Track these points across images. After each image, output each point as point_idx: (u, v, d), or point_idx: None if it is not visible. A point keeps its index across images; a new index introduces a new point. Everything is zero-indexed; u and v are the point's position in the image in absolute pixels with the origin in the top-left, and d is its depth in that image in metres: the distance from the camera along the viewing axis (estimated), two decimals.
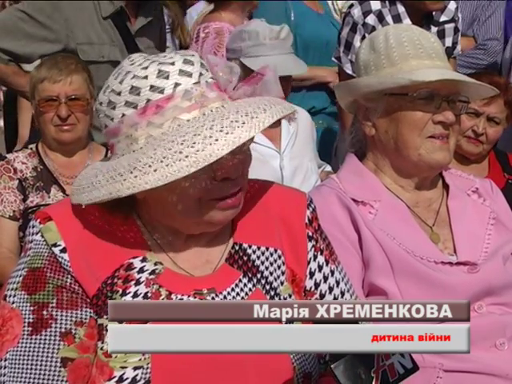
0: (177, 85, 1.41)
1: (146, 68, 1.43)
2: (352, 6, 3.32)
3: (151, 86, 1.41)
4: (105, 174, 1.42)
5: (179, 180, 1.37)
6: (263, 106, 1.41)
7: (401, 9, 3.26)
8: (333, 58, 3.42)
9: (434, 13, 3.33)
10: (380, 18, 3.24)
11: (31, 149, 2.92)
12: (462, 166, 2.95)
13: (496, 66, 3.84)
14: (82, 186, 1.46)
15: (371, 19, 3.22)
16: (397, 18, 3.25)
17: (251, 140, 1.44)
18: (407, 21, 3.24)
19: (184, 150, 1.33)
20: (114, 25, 3.19)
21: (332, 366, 1.23)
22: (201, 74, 1.44)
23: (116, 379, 1.41)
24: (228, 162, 1.41)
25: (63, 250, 1.45)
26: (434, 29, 3.36)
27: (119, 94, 1.43)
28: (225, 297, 1.49)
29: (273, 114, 1.40)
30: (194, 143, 1.34)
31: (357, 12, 3.26)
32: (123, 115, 1.42)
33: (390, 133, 1.96)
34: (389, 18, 3.24)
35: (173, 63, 1.43)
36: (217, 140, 1.33)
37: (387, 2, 3.26)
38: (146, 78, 1.42)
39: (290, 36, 3.14)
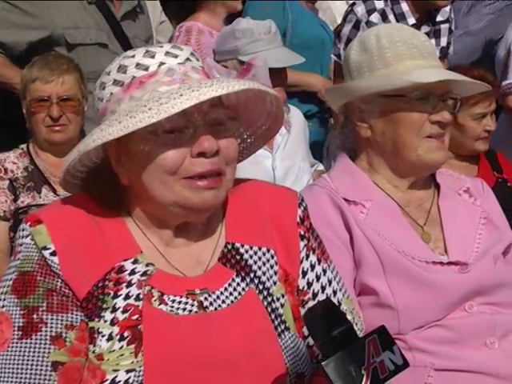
0: (162, 64, 1.45)
1: (136, 50, 1.49)
2: (354, 4, 3.34)
3: (137, 64, 1.45)
4: (82, 140, 1.46)
5: (155, 151, 1.40)
6: (238, 79, 1.45)
7: (404, 8, 3.28)
8: (332, 55, 3.43)
9: (433, 12, 3.37)
10: (383, 16, 3.26)
11: (22, 149, 2.91)
12: (457, 161, 2.96)
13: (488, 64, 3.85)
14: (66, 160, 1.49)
15: (375, 17, 3.24)
16: (400, 17, 3.27)
17: (235, 126, 1.47)
18: (411, 20, 3.27)
19: (149, 104, 1.37)
20: (98, 10, 3.23)
21: (323, 363, 1.24)
22: (188, 59, 1.47)
23: (108, 382, 1.41)
24: (204, 138, 1.42)
25: (53, 254, 1.45)
26: (432, 28, 3.38)
27: (109, 73, 1.48)
28: (218, 297, 1.49)
29: (245, 84, 1.43)
30: (160, 98, 1.37)
31: (360, 10, 3.28)
32: (111, 94, 1.46)
33: (387, 134, 1.96)
34: (391, 17, 3.26)
35: (161, 46, 1.48)
36: (181, 95, 1.36)
37: (389, 1, 3.29)
38: (133, 56, 1.47)
39: (277, 30, 3.22)
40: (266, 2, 3.82)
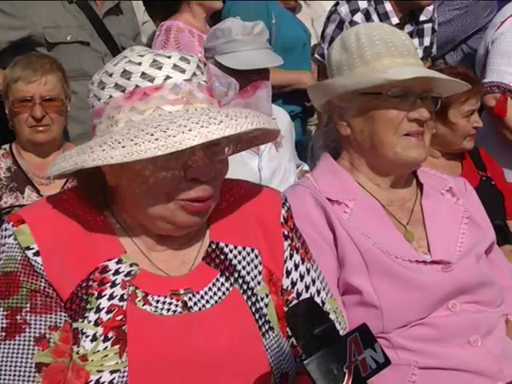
0: (168, 77, 1.42)
1: (142, 56, 1.45)
2: (338, 3, 3.34)
3: (142, 73, 1.42)
4: (78, 149, 1.43)
5: (150, 171, 1.38)
6: (246, 114, 1.42)
7: (388, 7, 3.29)
8: (316, 55, 3.43)
9: (416, 12, 3.38)
10: (367, 16, 3.27)
11: (5, 149, 2.89)
12: (441, 160, 2.95)
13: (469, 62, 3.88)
14: (56, 161, 1.47)
15: (359, 17, 3.25)
16: (384, 17, 3.28)
17: (228, 148, 1.46)
18: (394, 19, 3.27)
19: (156, 133, 1.34)
20: (80, 9, 3.22)
21: (305, 362, 1.24)
22: (194, 74, 1.45)
23: (93, 383, 1.40)
24: (201, 163, 1.42)
25: (36, 254, 1.44)
26: (415, 28, 3.40)
27: (111, 75, 1.45)
28: (202, 297, 1.49)
29: (253, 122, 1.41)
30: (168, 129, 1.35)
31: (344, 10, 3.28)
32: (110, 97, 1.44)
33: (365, 132, 1.97)
34: (375, 17, 3.27)
35: (169, 57, 1.45)
36: (190, 130, 1.34)
37: (373, 1, 3.29)
38: (139, 64, 1.43)
39: (264, 32, 3.14)
40: (249, 2, 3.82)
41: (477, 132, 2.96)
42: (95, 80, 1.48)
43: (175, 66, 1.43)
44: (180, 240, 1.53)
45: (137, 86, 1.42)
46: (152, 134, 1.34)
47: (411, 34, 3.34)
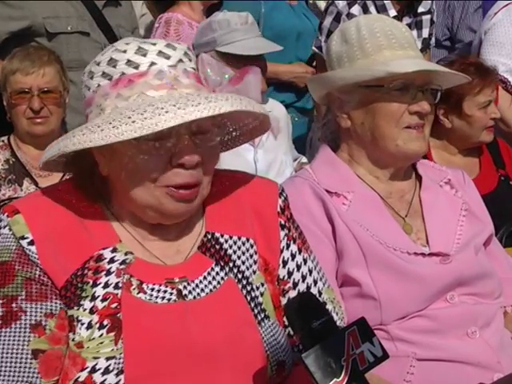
0: (152, 64, 1.44)
1: (128, 44, 1.47)
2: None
3: (128, 61, 1.44)
4: (62, 136, 1.45)
5: (137, 157, 1.40)
6: (228, 96, 1.42)
7: None
8: (313, 48, 3.42)
9: (415, 3, 3.36)
10: (364, 8, 3.25)
11: (3, 141, 2.90)
12: (458, 158, 2.91)
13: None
14: (45, 151, 1.48)
15: (356, 9, 3.24)
16: (381, 9, 3.26)
17: (219, 134, 1.46)
18: (392, 11, 3.26)
19: (133, 116, 1.36)
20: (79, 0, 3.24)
21: (302, 355, 1.24)
22: (180, 61, 1.46)
23: (89, 370, 1.41)
24: (186, 149, 1.42)
25: (31, 243, 1.45)
26: (414, 19, 3.38)
27: (98, 64, 1.47)
28: (197, 285, 1.49)
29: (233, 104, 1.41)
30: (145, 111, 1.36)
31: (341, 2, 3.27)
32: (98, 85, 1.46)
33: (366, 124, 1.96)
34: (373, 9, 3.26)
35: (154, 44, 1.46)
36: (167, 112, 1.35)
37: None
38: (124, 52, 1.45)
39: (254, 21, 3.25)
40: None
41: (495, 123, 2.90)
42: (86, 70, 1.50)
43: (160, 53, 1.45)
44: (173, 230, 1.54)
45: (122, 74, 1.44)
46: (129, 117, 1.36)
47: (409, 26, 3.32)
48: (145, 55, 1.44)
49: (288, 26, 3.81)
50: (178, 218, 1.51)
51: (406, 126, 1.94)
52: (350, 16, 3.19)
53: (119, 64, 1.44)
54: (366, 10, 3.23)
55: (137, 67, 1.43)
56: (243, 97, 1.47)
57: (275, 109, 3.25)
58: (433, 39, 3.51)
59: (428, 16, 3.42)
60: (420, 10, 3.39)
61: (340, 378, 1.23)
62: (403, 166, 2.03)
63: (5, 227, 1.47)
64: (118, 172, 1.45)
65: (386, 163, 2.00)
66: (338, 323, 1.60)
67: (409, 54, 1.94)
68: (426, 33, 3.43)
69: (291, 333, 1.55)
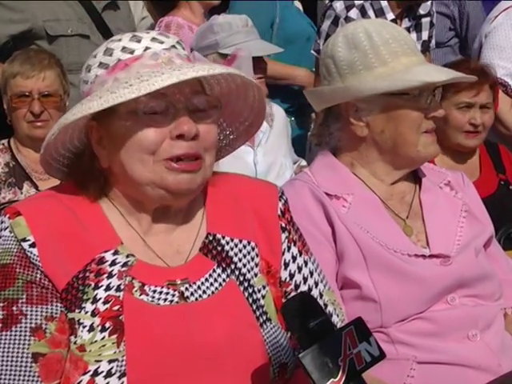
0: (147, 48, 1.47)
1: (123, 34, 1.51)
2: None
3: (123, 47, 1.47)
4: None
5: (135, 131, 1.42)
6: (221, 66, 1.48)
7: (383, 3, 3.27)
8: (312, 51, 3.43)
9: (414, 6, 3.36)
10: (362, 12, 3.25)
11: (3, 144, 2.90)
12: (458, 165, 2.90)
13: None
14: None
15: (354, 13, 3.23)
16: (379, 12, 3.26)
17: (217, 114, 1.48)
18: (390, 15, 3.26)
19: (130, 81, 1.40)
20: (79, 3, 3.26)
21: (299, 355, 1.24)
22: (173, 46, 1.49)
23: (91, 373, 1.41)
24: (184, 121, 1.44)
25: (32, 245, 1.45)
26: (413, 22, 3.38)
27: (95, 56, 1.50)
28: (198, 287, 1.49)
29: (228, 70, 1.46)
30: (141, 76, 1.40)
31: (339, 5, 3.27)
32: (96, 76, 1.48)
33: (387, 132, 1.95)
34: (371, 12, 3.25)
35: (148, 32, 1.51)
36: (163, 73, 1.39)
37: None
38: (119, 40, 1.49)
39: (253, 25, 3.30)
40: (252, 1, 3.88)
41: (481, 130, 2.89)
42: (83, 67, 1.52)
43: (154, 39, 1.49)
44: (174, 220, 1.54)
45: (118, 60, 1.47)
46: (127, 82, 1.40)
47: (409, 29, 3.32)
48: (139, 41, 1.48)
49: (299, 29, 3.86)
50: (182, 194, 1.50)
51: (424, 130, 1.95)
52: (347, 19, 3.19)
53: (115, 52, 1.48)
54: (364, 14, 3.23)
55: (132, 52, 1.47)
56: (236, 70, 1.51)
57: (274, 111, 3.27)
58: (433, 41, 3.51)
59: (428, 18, 3.42)
60: (420, 12, 3.39)
61: (337, 378, 1.23)
62: (414, 168, 2.05)
63: (6, 229, 1.47)
64: (118, 156, 1.46)
65: (401, 167, 2.01)
66: (338, 325, 1.60)
67: (421, 60, 1.97)
68: (425, 35, 3.43)
69: (290, 334, 1.55)
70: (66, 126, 1.43)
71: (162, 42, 1.48)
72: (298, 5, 4.30)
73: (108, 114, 1.43)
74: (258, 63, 3.09)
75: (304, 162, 3.41)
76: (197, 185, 1.49)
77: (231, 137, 1.66)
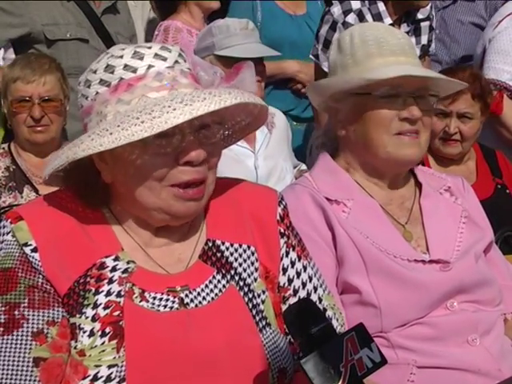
0: (150, 66, 1.45)
1: (124, 49, 1.48)
2: (331, 4, 3.34)
3: (125, 65, 1.45)
4: (69, 145, 1.45)
5: (142, 158, 1.41)
6: (229, 90, 1.45)
7: (381, 7, 3.28)
8: (310, 56, 3.43)
9: (412, 11, 3.37)
10: (360, 16, 3.25)
11: (3, 149, 2.90)
12: (447, 169, 2.90)
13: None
14: (49, 161, 1.49)
15: (351, 18, 3.24)
16: (377, 17, 3.26)
17: (219, 133, 1.47)
18: (388, 20, 3.26)
19: (141, 117, 1.37)
20: (78, 7, 3.27)
21: (301, 361, 1.24)
22: (176, 62, 1.47)
23: (90, 378, 1.41)
24: (191, 147, 1.43)
25: (34, 250, 1.45)
26: (412, 26, 3.39)
27: (95, 72, 1.47)
28: (198, 293, 1.49)
29: (237, 97, 1.43)
30: (152, 111, 1.37)
31: (337, 10, 3.27)
32: (97, 93, 1.46)
33: (358, 132, 1.97)
34: (369, 17, 3.25)
35: (150, 47, 1.47)
36: (174, 109, 1.37)
37: (367, 1, 3.28)
38: (121, 57, 1.46)
39: (256, 29, 3.28)
40: (238, 2, 3.89)
41: (460, 139, 2.88)
42: (81, 80, 1.50)
43: (156, 55, 1.46)
44: (177, 234, 1.54)
45: (121, 79, 1.44)
46: (138, 118, 1.37)
47: (407, 34, 3.32)
48: (141, 59, 1.45)
49: (281, 36, 3.80)
50: (187, 218, 1.51)
51: (397, 132, 1.93)
52: (345, 24, 3.20)
53: (116, 69, 1.45)
54: (361, 19, 3.23)
55: (135, 71, 1.44)
56: (242, 91, 1.49)
57: (274, 115, 3.27)
58: (432, 45, 3.51)
59: (427, 23, 3.42)
60: (418, 16, 3.39)
61: None
62: (398, 172, 2.03)
63: (8, 234, 1.47)
64: (123, 176, 1.46)
65: (380, 170, 2.00)
66: (338, 330, 1.61)
67: (398, 60, 1.93)
68: (424, 39, 3.42)
69: (292, 340, 1.55)
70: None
71: (165, 59, 1.46)
72: None
73: None
74: (256, 66, 3.09)
75: (304, 167, 3.40)
76: (202, 208, 1.52)
77: (226, 133, 1.65)
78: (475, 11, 3.94)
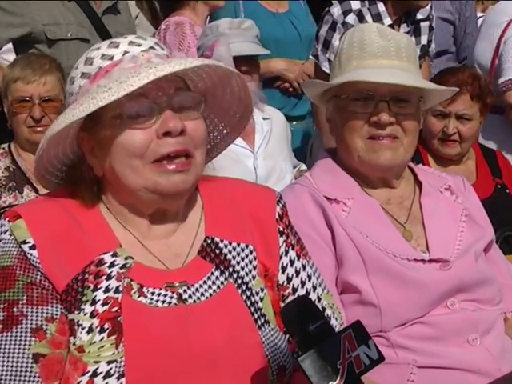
0: (125, 52, 1.48)
1: (102, 42, 1.52)
2: (331, 4, 3.34)
3: (102, 55, 1.49)
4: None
5: (121, 135, 1.43)
6: (198, 58, 1.47)
7: (381, 8, 3.28)
8: (310, 56, 3.43)
9: (410, 11, 3.36)
10: (360, 17, 3.26)
11: (3, 149, 2.90)
12: (446, 169, 2.90)
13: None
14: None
15: (351, 18, 3.24)
16: (377, 17, 3.26)
17: (203, 110, 1.48)
18: (387, 20, 3.27)
19: (109, 84, 1.40)
20: (79, 7, 3.28)
21: (299, 358, 1.25)
22: (152, 48, 1.50)
23: (90, 374, 1.41)
24: (169, 118, 1.44)
25: (32, 247, 1.46)
26: (411, 27, 3.38)
27: (77, 67, 1.51)
28: (197, 289, 1.50)
29: (204, 61, 1.45)
30: (119, 78, 1.40)
31: (336, 11, 3.28)
32: (80, 87, 1.49)
33: (338, 134, 1.99)
34: (368, 17, 3.26)
35: (125, 37, 1.51)
36: (139, 73, 1.39)
37: (366, 1, 3.28)
38: (98, 48, 1.50)
39: (253, 28, 3.25)
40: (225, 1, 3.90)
41: (459, 140, 2.89)
42: (67, 80, 1.54)
43: (131, 42, 1.50)
44: (172, 224, 1.54)
45: (99, 68, 1.48)
46: (105, 86, 1.40)
47: (407, 34, 3.32)
48: (117, 46, 1.49)
49: (266, 35, 3.76)
50: (176, 196, 1.50)
51: (369, 136, 1.93)
52: (345, 25, 3.20)
53: (95, 60, 1.49)
54: (361, 19, 3.24)
55: (111, 58, 1.48)
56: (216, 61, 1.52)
57: (273, 115, 3.27)
58: (432, 46, 3.51)
59: (426, 23, 3.42)
60: (418, 17, 3.39)
61: (336, 381, 1.24)
62: (381, 176, 2.01)
63: (6, 232, 1.48)
64: (109, 162, 1.47)
65: (363, 172, 2.00)
66: (337, 329, 1.60)
67: (376, 64, 1.93)
68: (424, 40, 3.42)
69: (290, 338, 1.55)
70: (54, 137, 1.44)
71: (139, 45, 1.49)
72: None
73: (94, 122, 1.45)
74: (243, 65, 3.06)
75: (304, 167, 3.41)
76: (190, 184, 1.50)
77: (224, 131, 1.66)
78: (443, 7, 3.94)
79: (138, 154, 1.44)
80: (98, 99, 1.38)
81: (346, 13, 3.24)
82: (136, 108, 1.43)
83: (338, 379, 1.23)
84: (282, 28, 3.86)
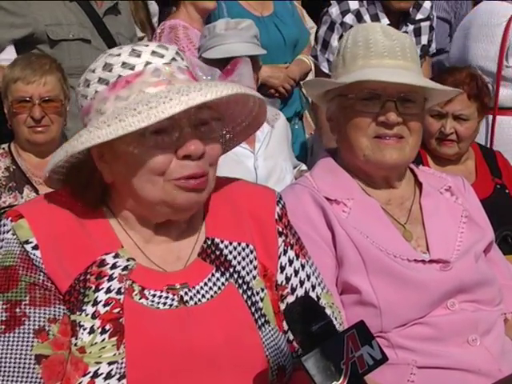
0: (148, 63, 1.46)
1: (121, 48, 1.49)
2: (330, 5, 3.35)
3: (123, 63, 1.46)
4: (69, 140, 1.46)
5: (142, 153, 1.41)
6: (226, 83, 1.46)
7: (379, 8, 3.29)
8: (309, 56, 3.44)
9: (410, 11, 3.37)
10: (358, 17, 3.26)
11: (3, 149, 2.90)
12: (445, 169, 2.90)
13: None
14: (50, 159, 1.50)
15: (349, 18, 3.25)
16: (375, 17, 3.27)
17: (219, 127, 1.48)
18: (385, 20, 3.27)
19: (138, 108, 1.38)
20: (80, 7, 3.28)
21: (302, 358, 1.25)
22: (173, 59, 1.48)
23: (91, 374, 1.42)
24: (190, 141, 1.44)
25: (35, 247, 1.45)
26: (411, 27, 3.39)
27: (94, 71, 1.48)
28: (198, 291, 1.50)
29: (233, 88, 1.44)
30: (149, 102, 1.38)
31: (335, 11, 3.28)
32: (96, 92, 1.47)
33: (342, 133, 1.98)
34: (367, 17, 3.27)
35: (147, 45, 1.49)
36: (171, 99, 1.38)
37: (365, 1, 3.29)
38: (119, 55, 1.47)
39: (252, 28, 3.23)
40: None
41: (457, 140, 2.89)
42: (81, 81, 1.51)
43: (154, 53, 1.47)
44: (175, 231, 1.55)
45: (119, 76, 1.45)
46: (135, 109, 1.38)
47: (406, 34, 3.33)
48: (139, 56, 1.46)
49: None
50: (188, 210, 1.52)
51: (376, 135, 1.93)
52: (343, 25, 3.21)
53: (114, 67, 1.46)
54: (359, 19, 3.25)
55: (132, 68, 1.45)
56: (239, 84, 1.50)
57: (279, 116, 3.27)
58: (433, 46, 3.51)
59: (427, 23, 3.42)
60: (418, 16, 3.40)
61: (339, 381, 1.23)
62: (385, 175, 2.01)
63: (8, 232, 1.47)
64: (124, 174, 1.46)
65: (366, 172, 2.00)
66: (337, 328, 1.60)
67: (382, 63, 1.93)
68: (424, 39, 3.43)
69: (291, 338, 1.56)
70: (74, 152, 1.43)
71: (162, 56, 1.47)
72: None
73: None
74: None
75: (304, 167, 3.41)
76: (203, 200, 1.52)
77: (227, 136, 1.66)
78: (439, 6, 3.95)
79: (157, 172, 1.44)
80: (127, 123, 1.36)
81: (344, 13, 3.25)
82: (157, 126, 1.40)
83: (342, 379, 1.23)
84: (267, 33, 3.81)
